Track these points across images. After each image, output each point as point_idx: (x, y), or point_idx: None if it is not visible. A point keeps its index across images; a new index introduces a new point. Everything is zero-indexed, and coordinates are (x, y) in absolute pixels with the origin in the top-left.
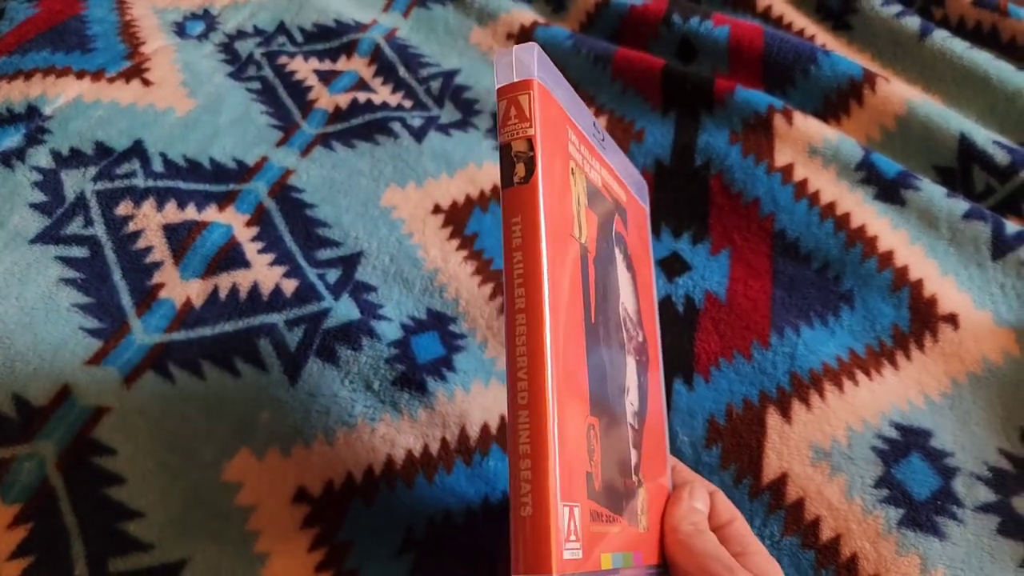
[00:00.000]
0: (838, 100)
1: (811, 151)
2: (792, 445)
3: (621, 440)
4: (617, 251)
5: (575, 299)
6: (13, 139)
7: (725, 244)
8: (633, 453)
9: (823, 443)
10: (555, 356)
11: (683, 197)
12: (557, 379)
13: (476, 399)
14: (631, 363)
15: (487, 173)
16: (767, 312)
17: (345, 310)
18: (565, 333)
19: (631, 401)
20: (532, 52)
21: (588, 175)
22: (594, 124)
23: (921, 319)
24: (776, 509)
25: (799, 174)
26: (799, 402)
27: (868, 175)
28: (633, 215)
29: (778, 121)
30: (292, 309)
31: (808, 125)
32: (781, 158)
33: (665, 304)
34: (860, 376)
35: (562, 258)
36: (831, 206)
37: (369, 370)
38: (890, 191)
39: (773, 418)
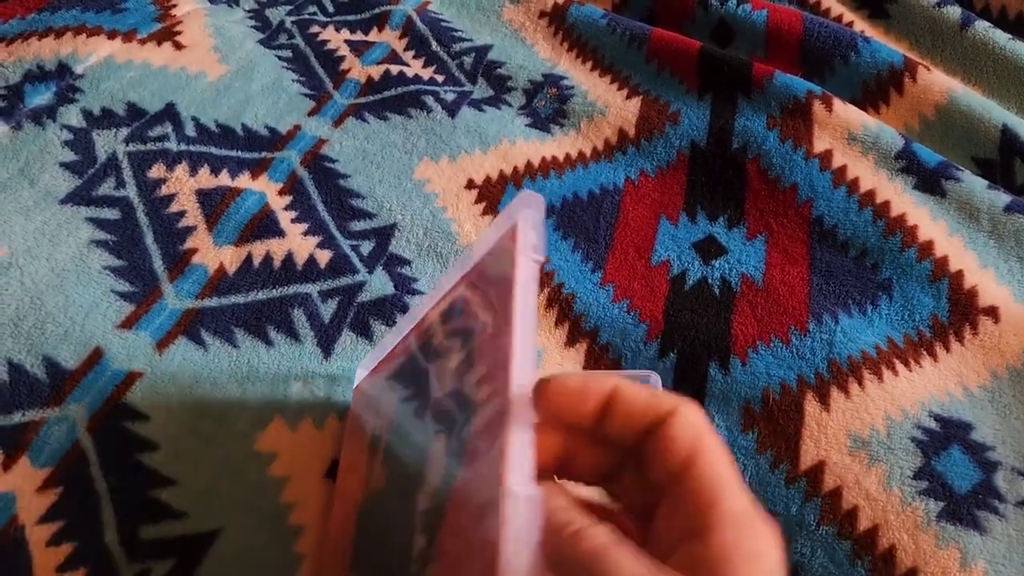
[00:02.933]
0: (877, 88)
1: (850, 138)
2: (830, 433)
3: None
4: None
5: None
6: (44, 96)
7: (762, 229)
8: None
9: (862, 432)
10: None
11: (719, 180)
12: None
13: None
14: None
15: (520, 150)
16: (804, 299)
17: (380, 284)
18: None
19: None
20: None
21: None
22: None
23: (961, 311)
24: (813, 497)
25: (838, 161)
26: (838, 390)
27: (908, 164)
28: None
29: (817, 107)
30: (326, 280)
31: (848, 112)
32: (820, 144)
33: (701, 286)
34: (899, 366)
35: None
36: (870, 194)
37: None
38: (930, 181)
39: (811, 405)
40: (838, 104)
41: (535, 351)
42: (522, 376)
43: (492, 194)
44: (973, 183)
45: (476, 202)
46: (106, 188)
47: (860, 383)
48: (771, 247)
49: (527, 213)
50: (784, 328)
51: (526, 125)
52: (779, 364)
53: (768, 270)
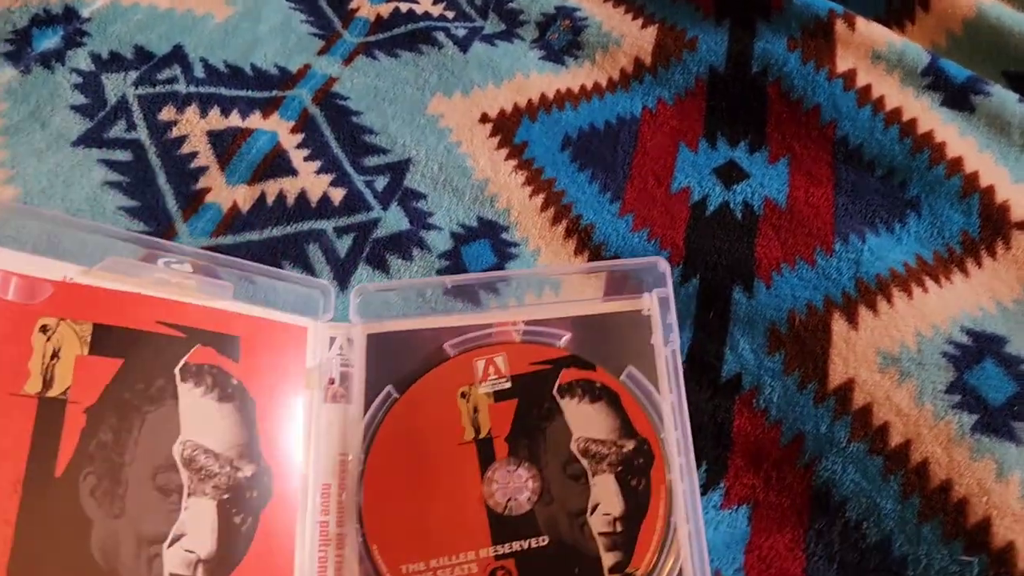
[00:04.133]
0: (902, 6)
1: (874, 56)
2: (859, 351)
3: None
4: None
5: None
6: (52, 40)
7: (784, 152)
8: None
9: (891, 349)
10: None
11: (739, 105)
12: None
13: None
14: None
15: (535, 83)
16: (830, 219)
17: (394, 220)
18: None
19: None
20: None
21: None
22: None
23: (992, 226)
24: (842, 415)
25: (862, 80)
26: (866, 308)
27: (935, 81)
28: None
29: (840, 26)
30: (341, 217)
31: (871, 30)
32: (843, 64)
33: (722, 211)
34: (929, 282)
35: None
36: (896, 112)
37: None
38: (958, 97)
39: (838, 324)
40: (861, 22)
41: None
42: None
43: (507, 127)
44: (1004, 97)
45: (491, 136)
46: (117, 130)
47: (889, 301)
48: (794, 169)
49: None
50: (809, 249)
51: (539, 58)
52: (804, 285)
53: (792, 192)
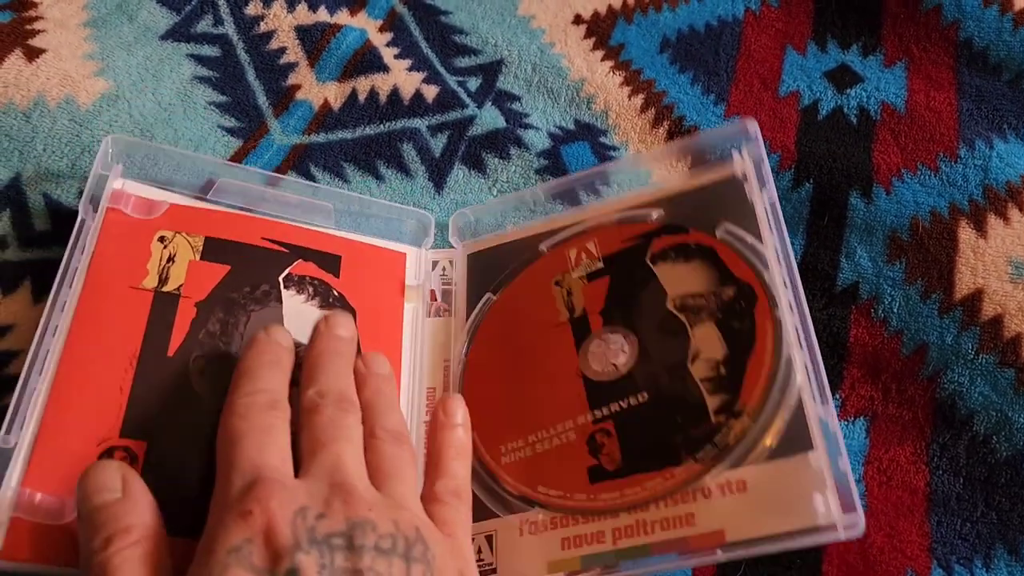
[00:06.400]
0: None
1: None
2: (988, 260)
3: None
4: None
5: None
6: None
7: (901, 56)
8: None
9: None
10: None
11: (851, 6)
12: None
13: None
14: None
15: None
16: (953, 124)
17: (490, 118)
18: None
19: None
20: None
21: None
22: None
23: None
24: (970, 326)
25: None
26: (995, 216)
27: None
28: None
29: None
30: (435, 115)
31: None
32: None
33: (835, 116)
34: None
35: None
36: None
37: (519, 179)
38: None
39: (965, 232)
40: None
41: None
42: None
43: (602, 29)
44: None
45: (585, 37)
46: (204, 25)
47: (1021, 208)
48: (912, 73)
49: None
50: (932, 155)
51: None
52: (927, 192)
53: (911, 96)
